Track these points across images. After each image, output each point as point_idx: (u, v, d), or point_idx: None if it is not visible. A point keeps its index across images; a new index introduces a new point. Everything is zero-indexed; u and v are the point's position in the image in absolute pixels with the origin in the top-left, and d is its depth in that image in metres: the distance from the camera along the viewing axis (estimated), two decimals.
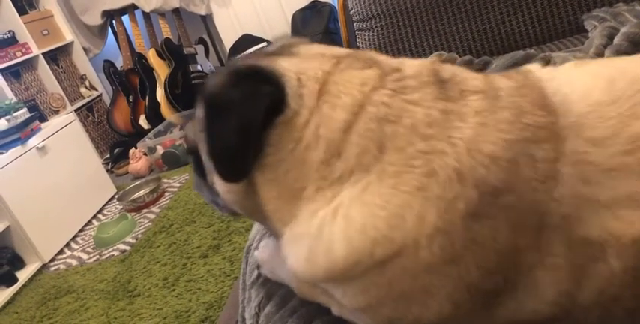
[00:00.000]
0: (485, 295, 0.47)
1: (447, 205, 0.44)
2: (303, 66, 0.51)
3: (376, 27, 1.56)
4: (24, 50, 3.25)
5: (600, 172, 0.45)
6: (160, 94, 3.54)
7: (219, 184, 0.55)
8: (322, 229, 0.47)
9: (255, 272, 0.80)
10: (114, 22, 3.78)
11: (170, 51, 3.50)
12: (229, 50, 3.45)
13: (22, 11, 3.38)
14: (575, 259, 0.45)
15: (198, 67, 3.57)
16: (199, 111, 0.53)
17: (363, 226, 0.45)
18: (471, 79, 0.51)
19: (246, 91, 0.48)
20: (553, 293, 0.46)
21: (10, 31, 3.25)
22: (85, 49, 3.85)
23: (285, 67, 0.50)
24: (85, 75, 3.88)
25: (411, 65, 0.52)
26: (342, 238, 0.46)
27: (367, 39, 1.61)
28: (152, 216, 2.64)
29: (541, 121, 0.47)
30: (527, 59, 1.15)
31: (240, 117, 0.48)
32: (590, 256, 0.45)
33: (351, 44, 1.74)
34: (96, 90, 3.92)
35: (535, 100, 0.49)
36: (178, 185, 2.91)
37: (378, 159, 0.46)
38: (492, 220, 0.44)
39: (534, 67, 0.56)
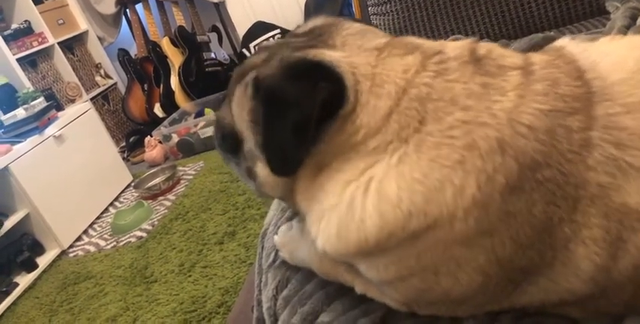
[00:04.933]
0: (518, 271, 0.47)
1: (487, 178, 0.44)
2: (352, 60, 0.50)
3: (391, 11, 1.54)
4: (40, 40, 3.28)
5: (637, 138, 0.44)
6: (174, 82, 3.55)
7: (261, 168, 0.55)
8: (353, 203, 0.47)
9: (272, 256, 0.80)
10: (127, 10, 3.78)
11: (184, 39, 3.49)
12: (242, 37, 3.44)
13: (37, 1, 3.40)
14: (613, 231, 0.44)
15: (212, 55, 3.57)
16: (249, 101, 0.53)
17: (398, 200, 0.45)
18: (508, 56, 0.51)
19: (304, 89, 0.48)
20: (590, 269, 0.45)
21: (26, 21, 3.27)
22: (99, 38, 3.87)
23: (337, 58, 0.50)
24: (100, 64, 3.90)
25: (452, 47, 0.52)
26: (375, 212, 0.46)
27: (382, 23, 1.59)
28: (168, 203, 2.66)
29: (576, 91, 0.47)
30: (547, 42, 1.12)
31: (297, 115, 0.47)
32: (627, 226, 0.44)
33: None
34: (111, 78, 3.94)
35: (569, 71, 0.49)
36: (194, 173, 2.92)
37: (417, 130, 0.46)
38: (529, 194, 0.44)
39: (565, 42, 0.55)
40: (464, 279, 0.47)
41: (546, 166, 0.44)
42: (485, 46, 0.53)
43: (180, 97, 3.53)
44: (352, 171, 0.48)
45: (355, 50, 0.52)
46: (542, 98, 0.46)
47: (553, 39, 1.13)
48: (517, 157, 0.44)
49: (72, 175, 2.67)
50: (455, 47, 0.52)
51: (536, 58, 0.52)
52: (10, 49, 3.03)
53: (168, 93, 3.56)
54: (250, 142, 0.55)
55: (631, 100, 0.46)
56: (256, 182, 0.58)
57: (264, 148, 0.52)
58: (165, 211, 2.58)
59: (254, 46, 3.38)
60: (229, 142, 0.58)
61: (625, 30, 1.03)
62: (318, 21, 0.60)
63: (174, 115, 3.46)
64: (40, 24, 3.30)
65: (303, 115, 0.47)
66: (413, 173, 0.45)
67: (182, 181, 2.87)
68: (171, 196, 2.73)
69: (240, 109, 0.54)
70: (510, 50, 0.53)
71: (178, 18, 3.59)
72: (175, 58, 3.54)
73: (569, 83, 0.47)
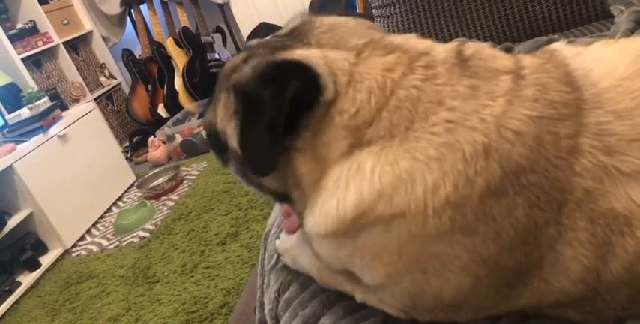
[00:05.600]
0: (507, 272, 0.47)
1: (466, 181, 0.44)
2: (327, 55, 0.51)
3: (395, 13, 1.54)
4: (45, 39, 3.29)
5: (625, 143, 0.45)
6: (178, 82, 3.56)
7: None
8: (338, 181, 0.49)
9: (274, 258, 0.80)
10: (132, 11, 3.79)
11: (188, 40, 3.50)
12: (246, 38, 3.44)
13: (42, 1, 3.40)
14: (600, 234, 0.44)
15: (216, 56, 3.58)
16: (232, 103, 0.54)
17: (372, 178, 0.47)
18: (499, 57, 0.51)
19: (273, 90, 0.49)
20: (578, 270, 0.46)
21: (31, 21, 3.28)
22: (104, 38, 3.88)
23: (308, 54, 0.51)
24: (104, 64, 3.91)
25: (440, 51, 0.52)
26: (354, 189, 0.47)
27: (386, 26, 1.59)
28: (171, 203, 2.67)
29: (565, 97, 0.47)
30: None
31: (268, 115, 0.49)
32: (615, 231, 0.44)
33: None
34: (115, 79, 3.95)
35: (559, 75, 0.49)
36: (197, 173, 2.93)
37: (408, 128, 0.47)
38: (511, 198, 0.45)
39: (559, 46, 0.55)
40: (452, 279, 0.48)
41: (531, 172, 0.44)
42: (472, 47, 0.53)
43: (183, 98, 3.54)
44: (342, 159, 0.50)
45: (330, 46, 0.54)
46: (531, 104, 0.46)
47: (557, 42, 1.14)
48: (501, 162, 0.44)
49: (75, 175, 2.68)
50: (442, 50, 0.52)
51: (527, 61, 0.52)
52: (15, 49, 3.05)
53: (172, 93, 3.57)
54: (233, 141, 0.56)
55: (620, 106, 0.46)
56: (253, 179, 0.59)
57: (241, 150, 0.53)
58: (168, 211, 2.59)
59: None
60: (216, 141, 0.59)
61: (629, 33, 1.03)
62: (296, 21, 0.61)
63: (178, 115, 3.47)
64: (45, 24, 3.32)
65: (272, 114, 0.48)
66: (388, 157, 0.47)
67: (185, 182, 2.88)
68: (174, 197, 2.74)
69: (224, 111, 0.56)
70: (500, 51, 0.54)
71: (183, 19, 3.60)
72: (179, 58, 3.54)
73: (558, 89, 0.48)
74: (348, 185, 0.48)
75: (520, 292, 0.49)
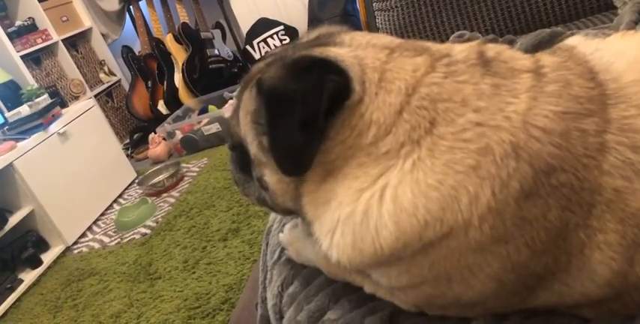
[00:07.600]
0: (532, 276, 0.46)
1: (501, 185, 0.43)
2: (359, 54, 0.50)
3: (396, 7, 1.53)
4: (44, 37, 3.28)
5: None
6: (177, 78, 3.55)
7: (269, 176, 0.54)
8: (368, 213, 0.46)
9: (277, 253, 0.80)
10: (131, 7, 3.78)
11: (187, 36, 3.49)
12: (246, 34, 3.43)
13: None
14: (630, 235, 0.43)
15: (216, 52, 3.57)
16: (252, 103, 0.52)
17: (414, 208, 0.44)
18: (519, 58, 0.50)
19: (310, 83, 0.47)
20: (606, 274, 0.45)
21: (30, 18, 3.27)
22: (103, 35, 3.87)
23: (342, 53, 0.49)
24: (103, 61, 3.90)
25: (459, 50, 0.52)
26: (390, 221, 0.45)
27: (387, 19, 1.58)
28: (172, 200, 2.66)
29: (590, 92, 0.46)
30: (553, 37, 1.12)
31: (303, 110, 0.46)
32: None
33: (370, 26, 1.71)
34: (115, 75, 3.94)
35: (581, 72, 0.48)
36: (197, 169, 2.92)
37: (428, 131, 0.45)
38: (544, 200, 0.43)
39: (577, 41, 0.54)
40: (477, 286, 0.47)
41: (561, 171, 0.43)
42: (493, 48, 0.52)
43: (183, 94, 3.53)
44: (365, 177, 0.47)
45: (362, 46, 0.52)
46: (555, 100, 0.45)
47: (560, 34, 1.13)
48: (532, 161, 0.43)
49: (76, 172, 2.68)
50: (461, 50, 0.51)
51: (547, 60, 0.51)
52: (14, 46, 3.04)
53: (172, 90, 3.56)
54: (254, 147, 0.54)
55: None
56: (268, 193, 0.57)
57: (271, 148, 0.50)
58: (169, 207, 2.58)
59: (257, 43, 3.37)
60: (239, 152, 0.57)
61: (633, 25, 1.02)
62: (323, 29, 0.60)
63: (178, 111, 3.47)
64: (44, 21, 3.31)
65: (309, 109, 0.46)
66: (427, 179, 0.44)
67: (186, 178, 2.87)
68: (175, 193, 2.73)
69: (244, 112, 0.53)
70: (520, 52, 0.52)
71: (182, 15, 3.59)
72: (179, 54, 3.53)
73: (582, 85, 0.46)
74: (381, 215, 0.45)
75: (537, 295, 0.48)
